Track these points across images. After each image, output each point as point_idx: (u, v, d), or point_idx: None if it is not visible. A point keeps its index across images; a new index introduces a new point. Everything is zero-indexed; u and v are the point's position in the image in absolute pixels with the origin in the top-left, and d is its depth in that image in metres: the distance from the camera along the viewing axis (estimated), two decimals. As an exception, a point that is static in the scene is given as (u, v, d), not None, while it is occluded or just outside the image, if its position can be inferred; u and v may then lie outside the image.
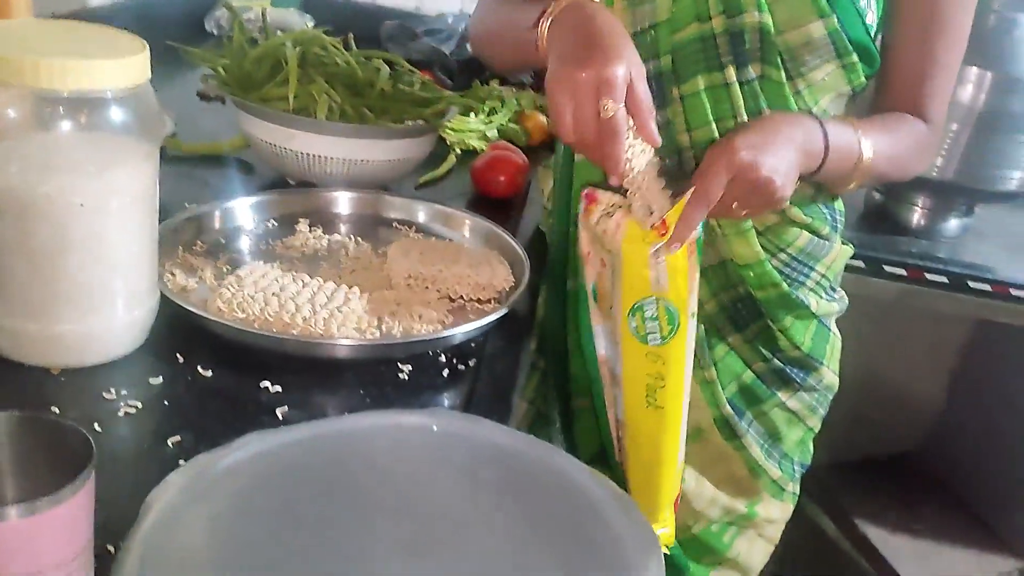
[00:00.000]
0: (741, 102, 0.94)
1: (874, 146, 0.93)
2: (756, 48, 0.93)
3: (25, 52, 0.67)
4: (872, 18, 0.94)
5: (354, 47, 1.29)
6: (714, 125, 0.95)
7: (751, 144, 0.83)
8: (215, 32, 1.90)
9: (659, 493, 0.93)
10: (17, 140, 0.69)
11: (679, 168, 0.96)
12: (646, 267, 0.82)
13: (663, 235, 0.80)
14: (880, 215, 1.59)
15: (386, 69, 1.24)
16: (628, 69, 0.78)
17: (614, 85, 0.77)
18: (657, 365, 0.86)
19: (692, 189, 0.81)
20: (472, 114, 1.51)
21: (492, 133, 1.49)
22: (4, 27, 0.75)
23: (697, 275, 0.84)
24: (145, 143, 0.74)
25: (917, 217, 1.57)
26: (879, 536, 1.70)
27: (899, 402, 1.59)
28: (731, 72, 0.94)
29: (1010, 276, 1.46)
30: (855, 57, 0.94)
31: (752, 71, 0.94)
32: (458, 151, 1.42)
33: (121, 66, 0.68)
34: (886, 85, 1.00)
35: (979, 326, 1.55)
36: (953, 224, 1.57)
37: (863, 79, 0.97)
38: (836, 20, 0.91)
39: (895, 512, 1.77)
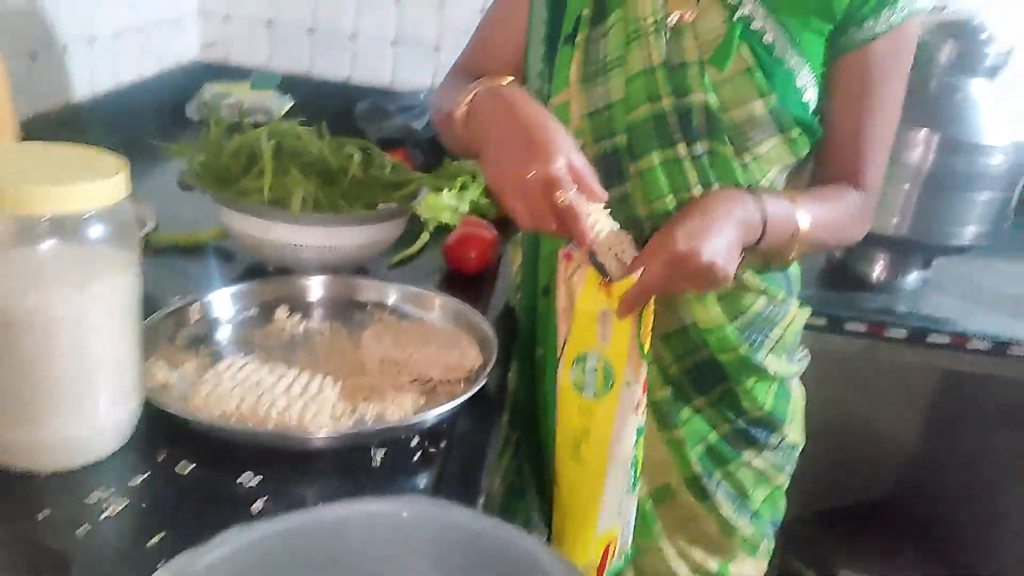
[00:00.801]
0: (694, 175, 1.00)
1: (810, 216, 0.98)
2: (703, 125, 0.99)
3: (6, 179, 0.71)
4: (811, 95, 1.00)
5: (327, 135, 1.35)
6: (671, 197, 1.01)
7: (689, 231, 0.88)
8: (196, 118, 1.96)
9: (580, 537, 0.99)
10: (0, 257, 0.73)
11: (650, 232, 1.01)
12: (595, 321, 0.88)
13: (610, 299, 0.87)
14: (841, 272, 1.65)
15: (359, 155, 1.30)
16: (568, 156, 0.84)
17: (562, 179, 0.83)
18: (586, 419, 0.92)
19: (639, 271, 0.86)
20: (443, 190, 1.56)
21: (464, 207, 1.55)
22: (-12, 152, 0.80)
23: (639, 352, 0.89)
24: (124, 253, 0.78)
25: (877, 272, 1.63)
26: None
27: (874, 450, 1.63)
28: (682, 148, 1.00)
29: (968, 327, 1.51)
30: (797, 132, 1.00)
31: (701, 147, 0.99)
32: (431, 228, 1.47)
33: (100, 188, 0.73)
34: (823, 155, 1.06)
35: (944, 376, 1.60)
36: (912, 278, 1.62)
37: (807, 150, 1.03)
38: (776, 98, 0.97)
39: (878, 560, 1.80)
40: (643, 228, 1.01)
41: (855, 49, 0.99)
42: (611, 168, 1.02)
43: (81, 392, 0.77)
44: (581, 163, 0.85)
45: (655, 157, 1.01)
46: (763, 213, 0.94)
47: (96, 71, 1.68)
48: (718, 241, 0.89)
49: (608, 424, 0.92)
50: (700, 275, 0.88)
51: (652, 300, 0.90)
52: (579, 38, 1.02)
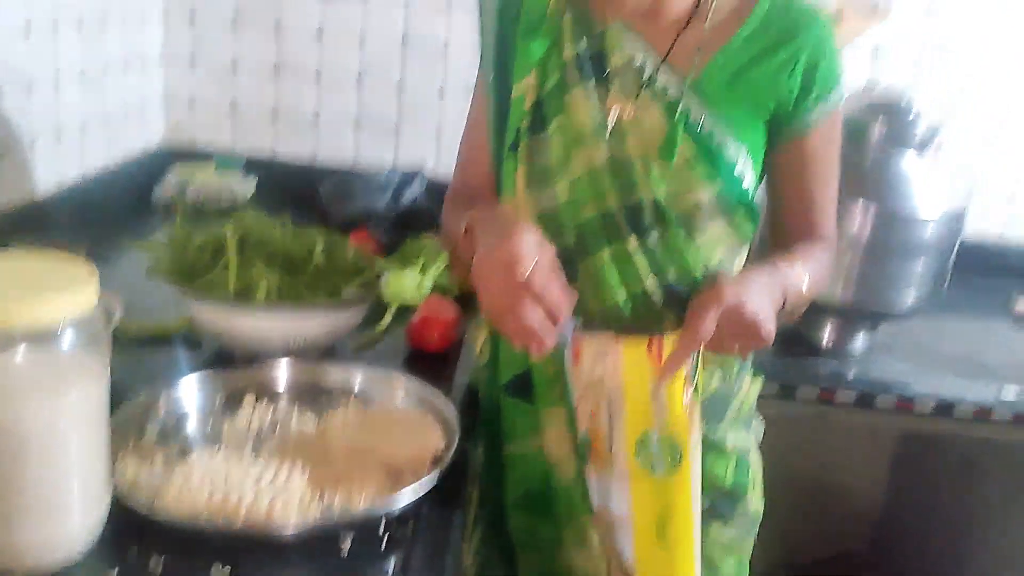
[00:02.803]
0: (646, 264, 1.05)
1: (808, 276, 1.05)
2: (653, 216, 1.04)
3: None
4: (749, 180, 1.07)
5: (291, 222, 1.39)
6: (621, 290, 1.05)
7: (735, 288, 0.93)
8: (162, 202, 1.99)
9: None
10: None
11: (604, 325, 1.05)
12: (648, 397, 0.89)
13: (658, 364, 0.88)
14: (793, 339, 1.71)
15: (321, 243, 1.34)
16: (528, 237, 0.90)
17: (522, 255, 0.88)
18: (666, 497, 0.92)
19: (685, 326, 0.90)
20: (406, 270, 1.60)
21: (427, 286, 1.59)
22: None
23: (697, 413, 0.91)
24: (95, 360, 0.81)
25: (826, 339, 1.69)
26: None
27: (832, 511, 1.67)
28: (633, 241, 1.05)
29: (915, 390, 1.58)
30: (740, 214, 1.06)
31: (653, 236, 1.05)
32: (394, 307, 1.51)
33: (71, 298, 0.76)
34: (780, 220, 1.13)
35: (894, 436, 1.65)
36: (860, 342, 1.69)
37: (750, 230, 1.09)
38: (719, 186, 1.04)
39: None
40: (595, 323, 1.05)
41: (799, 136, 1.07)
42: (563, 267, 1.06)
43: (53, 496, 0.79)
44: (548, 262, 0.91)
45: (605, 254, 1.06)
46: (783, 280, 1.01)
47: (63, 163, 1.72)
48: (761, 300, 0.94)
49: (688, 496, 0.92)
50: (746, 327, 0.92)
51: (700, 359, 0.92)
52: (521, 148, 1.08)
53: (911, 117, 1.57)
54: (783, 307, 1.01)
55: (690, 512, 0.93)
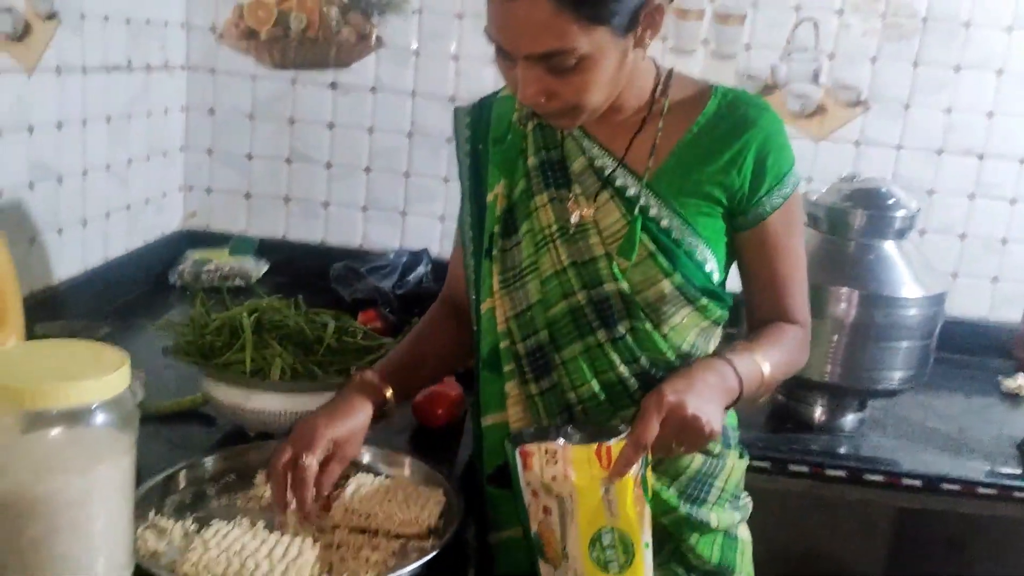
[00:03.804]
0: (616, 356, 1.10)
1: (770, 362, 1.09)
2: (621, 309, 1.10)
3: (19, 377, 0.80)
4: (712, 266, 1.11)
5: (304, 306, 1.47)
6: (595, 381, 1.11)
7: (676, 389, 0.98)
8: (178, 284, 2.08)
9: None
10: (10, 446, 0.82)
11: (585, 419, 1.11)
12: (599, 498, 0.93)
13: (607, 467, 0.93)
14: (784, 416, 1.77)
15: (332, 324, 1.42)
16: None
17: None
18: None
19: (629, 431, 0.95)
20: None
21: (431, 365, 1.65)
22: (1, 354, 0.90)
23: (647, 510, 0.96)
24: (125, 437, 0.88)
25: (817, 415, 1.75)
26: None
27: (833, 573, 1.70)
28: (602, 334, 1.11)
29: (903, 466, 1.62)
30: (705, 300, 1.11)
31: (622, 328, 1.10)
32: (400, 387, 1.58)
33: (103, 382, 0.83)
34: (752, 302, 1.18)
35: (888, 512, 1.69)
36: (850, 419, 1.75)
37: (719, 313, 1.14)
38: (680, 276, 1.09)
39: None
40: (573, 413, 1.11)
41: (756, 226, 1.12)
42: (538, 362, 1.13)
43: (82, 568, 0.84)
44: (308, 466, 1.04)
45: (577, 347, 1.12)
46: (737, 374, 1.04)
47: (88, 249, 1.82)
48: (702, 399, 0.98)
49: None
50: (687, 427, 0.96)
51: (648, 461, 0.96)
52: (495, 252, 1.15)
53: (890, 204, 1.65)
54: (740, 396, 1.05)
55: None
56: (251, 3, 2.17)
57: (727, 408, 1.04)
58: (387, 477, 1.21)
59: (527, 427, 1.12)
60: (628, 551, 0.95)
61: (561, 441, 0.97)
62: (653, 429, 0.95)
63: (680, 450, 1.00)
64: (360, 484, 1.18)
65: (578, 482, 0.94)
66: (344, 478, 1.19)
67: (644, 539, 0.95)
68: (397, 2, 2.16)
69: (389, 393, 1.14)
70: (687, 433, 0.97)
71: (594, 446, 0.95)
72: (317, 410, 1.11)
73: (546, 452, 0.96)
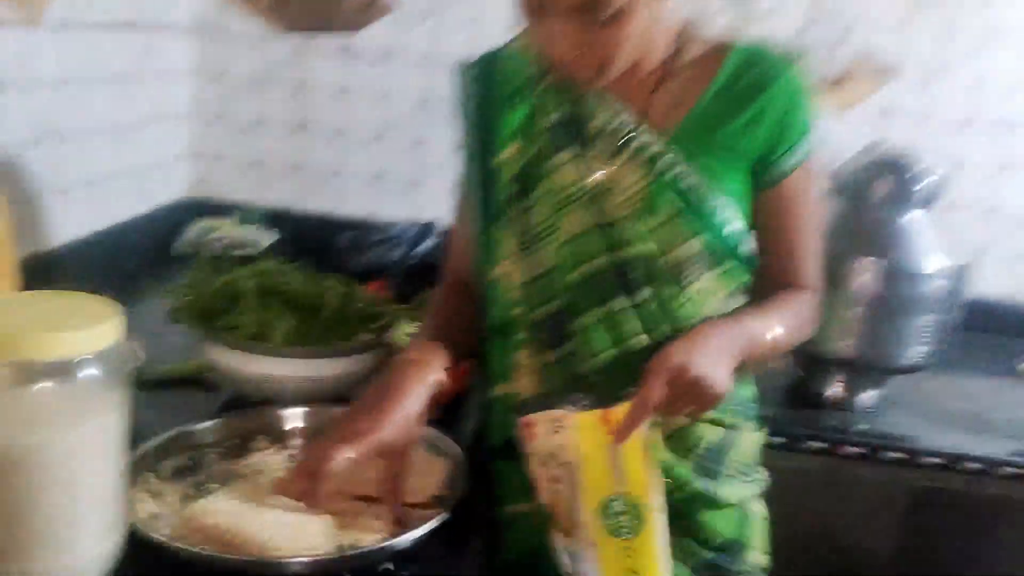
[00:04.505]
0: (637, 323, 1.07)
1: (779, 326, 1.07)
2: (644, 273, 1.07)
3: (5, 326, 0.77)
4: (737, 226, 1.09)
5: (309, 270, 1.43)
6: (612, 350, 1.08)
7: (681, 351, 0.96)
8: (183, 253, 2.04)
9: None
10: (-1, 398, 0.79)
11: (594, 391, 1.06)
12: (607, 464, 0.91)
13: (612, 432, 0.91)
14: (800, 391, 1.73)
15: (337, 289, 1.38)
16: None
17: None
18: (632, 560, 0.93)
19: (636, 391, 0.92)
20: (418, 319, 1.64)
21: (439, 335, 1.62)
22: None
23: (655, 474, 0.93)
24: (115, 393, 0.85)
25: (835, 391, 1.70)
26: None
27: (839, 565, 1.66)
28: (623, 300, 1.07)
29: (922, 444, 1.58)
30: (731, 263, 1.09)
31: (645, 293, 1.07)
32: (408, 356, 1.54)
33: (93, 333, 0.80)
34: (765, 269, 1.14)
35: (905, 491, 1.65)
36: (868, 396, 1.70)
37: (744, 279, 1.11)
38: (707, 236, 1.06)
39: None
40: (588, 384, 1.07)
41: (775, 185, 1.09)
42: (553, 330, 1.09)
43: (70, 526, 0.81)
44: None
45: (596, 313, 1.08)
46: (745, 336, 1.03)
47: (94, 211, 1.78)
48: (708, 360, 0.96)
49: (654, 556, 0.93)
50: (693, 389, 0.94)
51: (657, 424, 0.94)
52: (507, 216, 1.12)
53: (914, 173, 1.60)
54: (748, 360, 1.03)
55: (659, 571, 0.94)
56: (260, -36, 2.13)
57: (735, 372, 1.01)
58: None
59: (533, 396, 1.09)
60: (639, 517, 0.92)
61: (567, 408, 0.93)
62: (659, 390, 0.93)
63: (686, 411, 0.98)
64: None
65: (584, 448, 0.92)
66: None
67: (655, 504, 0.92)
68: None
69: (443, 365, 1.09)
70: (693, 395, 0.95)
71: (599, 412, 0.93)
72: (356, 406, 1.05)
73: (552, 420, 0.94)
